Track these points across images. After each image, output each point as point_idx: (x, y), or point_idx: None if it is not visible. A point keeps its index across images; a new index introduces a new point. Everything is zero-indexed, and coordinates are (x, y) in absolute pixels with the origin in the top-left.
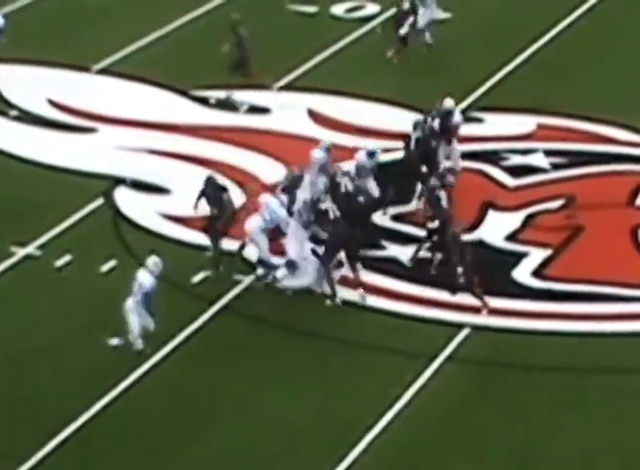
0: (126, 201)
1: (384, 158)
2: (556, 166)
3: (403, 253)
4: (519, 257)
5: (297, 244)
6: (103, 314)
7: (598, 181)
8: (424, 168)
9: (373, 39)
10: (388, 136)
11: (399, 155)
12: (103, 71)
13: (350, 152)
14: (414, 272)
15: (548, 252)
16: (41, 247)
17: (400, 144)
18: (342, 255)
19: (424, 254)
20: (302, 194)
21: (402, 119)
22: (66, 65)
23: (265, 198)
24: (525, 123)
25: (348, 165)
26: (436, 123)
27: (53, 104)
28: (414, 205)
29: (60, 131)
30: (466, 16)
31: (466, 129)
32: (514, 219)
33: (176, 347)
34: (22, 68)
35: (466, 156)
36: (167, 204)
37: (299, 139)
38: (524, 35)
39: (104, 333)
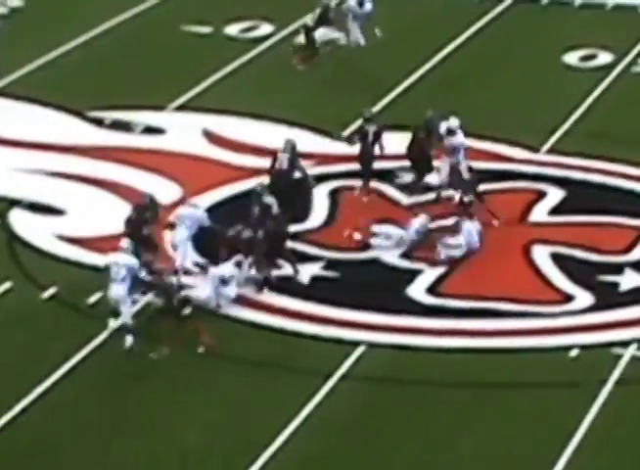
0: (21, 222)
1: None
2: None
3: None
4: (413, 274)
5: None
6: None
7: (492, 198)
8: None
9: (268, 59)
10: None
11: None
12: None
13: (248, 172)
14: (310, 291)
15: (442, 269)
16: None
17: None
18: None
19: (322, 272)
20: None
21: (300, 138)
22: None
23: (178, 211)
24: None
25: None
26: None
27: None
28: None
29: None
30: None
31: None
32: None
33: (73, 367)
34: None
35: (360, 175)
36: (63, 225)
37: (195, 159)
38: (416, 56)
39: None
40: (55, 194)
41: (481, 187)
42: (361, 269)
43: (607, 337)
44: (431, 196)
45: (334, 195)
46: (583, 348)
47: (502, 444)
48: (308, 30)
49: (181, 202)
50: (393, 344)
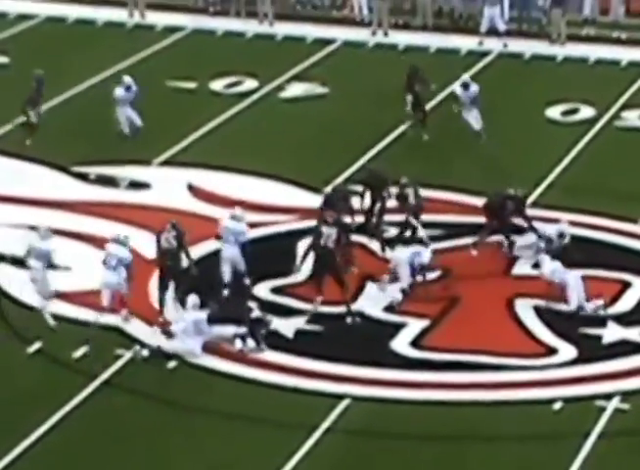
0: (6, 277)
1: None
2: (432, 238)
3: (284, 325)
4: (397, 327)
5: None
6: None
7: (476, 251)
8: None
9: (252, 114)
10: (267, 210)
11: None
12: None
13: None
14: (294, 344)
15: (426, 322)
16: None
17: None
18: None
19: (306, 326)
20: None
21: (281, 193)
22: None
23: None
24: None
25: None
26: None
27: None
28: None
29: None
30: (342, 89)
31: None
32: (392, 291)
33: (57, 422)
34: None
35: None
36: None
37: (180, 214)
38: (400, 109)
39: None
40: None
41: (467, 240)
42: (345, 323)
43: (590, 389)
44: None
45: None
46: (567, 400)
47: None
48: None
49: None
50: (378, 397)
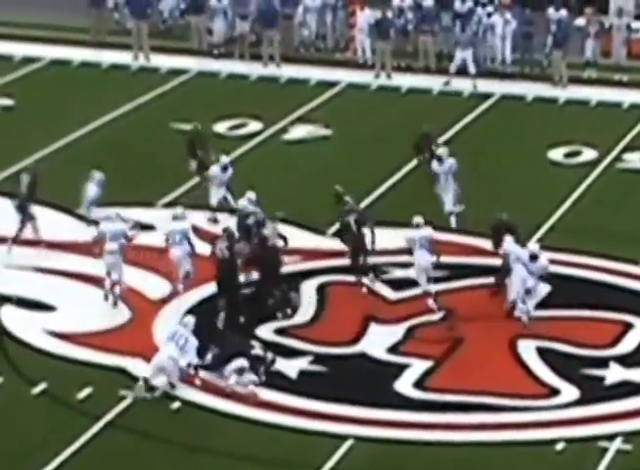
0: (11, 318)
1: None
2: (436, 279)
3: (287, 366)
4: (401, 368)
5: None
6: None
7: (478, 293)
8: None
9: (256, 156)
10: None
11: None
12: None
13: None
14: (297, 385)
15: (429, 363)
16: None
17: None
18: None
19: (309, 367)
20: None
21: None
22: None
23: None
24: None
25: None
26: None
27: None
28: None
29: None
30: (346, 131)
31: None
32: (395, 332)
33: (62, 463)
34: None
35: (346, 270)
36: (53, 320)
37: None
38: (404, 150)
39: None
40: (45, 290)
41: (469, 281)
42: (349, 364)
43: (592, 430)
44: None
45: (321, 290)
46: (569, 441)
47: None
48: None
49: (170, 298)
50: (381, 438)
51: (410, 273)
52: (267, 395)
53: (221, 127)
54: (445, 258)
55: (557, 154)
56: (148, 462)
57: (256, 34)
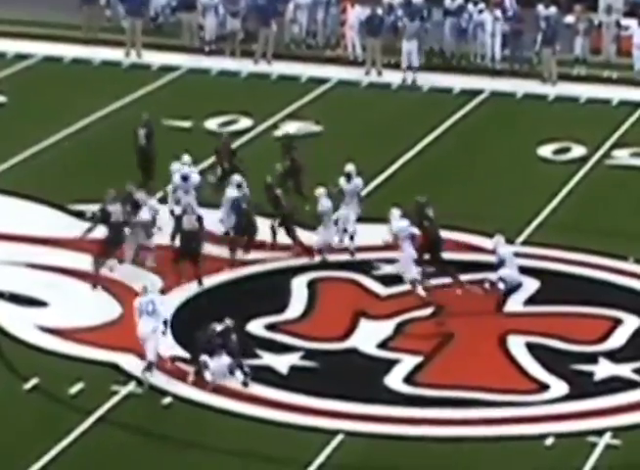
0: (3, 313)
1: None
2: (427, 275)
3: (278, 361)
4: (390, 363)
5: None
6: None
7: (468, 289)
8: None
9: (247, 152)
10: (261, 247)
11: None
12: None
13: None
14: (288, 380)
15: (419, 359)
16: None
17: None
18: None
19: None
20: None
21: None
22: None
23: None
24: None
25: None
26: None
27: None
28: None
29: None
30: (336, 128)
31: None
32: (386, 327)
33: (53, 458)
34: None
35: (338, 266)
36: (45, 316)
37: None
38: (394, 147)
39: None
40: (37, 286)
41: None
42: (339, 359)
43: (582, 425)
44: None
45: (312, 286)
46: (558, 436)
47: None
48: None
49: (163, 292)
50: (371, 433)
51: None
52: (257, 389)
53: (212, 124)
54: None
55: (546, 150)
56: (138, 457)
57: (247, 31)
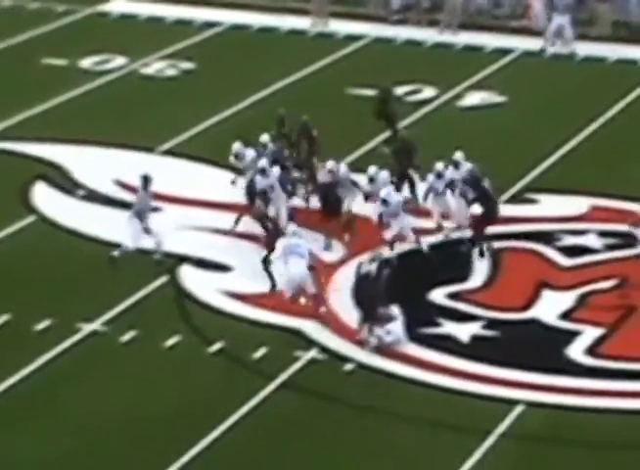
0: (189, 278)
1: None
2: (609, 247)
3: (459, 330)
4: (572, 335)
5: None
6: (168, 388)
7: None
8: None
9: (429, 121)
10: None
11: None
12: (167, 153)
13: None
14: (469, 349)
15: (601, 330)
16: (107, 323)
17: None
18: None
19: (482, 332)
20: None
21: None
22: (131, 146)
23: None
24: (579, 205)
25: None
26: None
27: (119, 184)
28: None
29: (125, 210)
30: (520, 99)
31: (520, 210)
32: (568, 298)
33: (236, 422)
34: (89, 148)
35: (520, 236)
36: (229, 281)
37: None
38: (578, 118)
39: (168, 406)
40: (222, 251)
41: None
42: (521, 329)
43: None
44: None
45: (495, 255)
46: None
47: None
48: None
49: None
50: (552, 404)
51: (586, 240)
52: (437, 358)
53: (396, 93)
54: (617, 226)
55: None
56: (319, 422)
57: (432, 1)
